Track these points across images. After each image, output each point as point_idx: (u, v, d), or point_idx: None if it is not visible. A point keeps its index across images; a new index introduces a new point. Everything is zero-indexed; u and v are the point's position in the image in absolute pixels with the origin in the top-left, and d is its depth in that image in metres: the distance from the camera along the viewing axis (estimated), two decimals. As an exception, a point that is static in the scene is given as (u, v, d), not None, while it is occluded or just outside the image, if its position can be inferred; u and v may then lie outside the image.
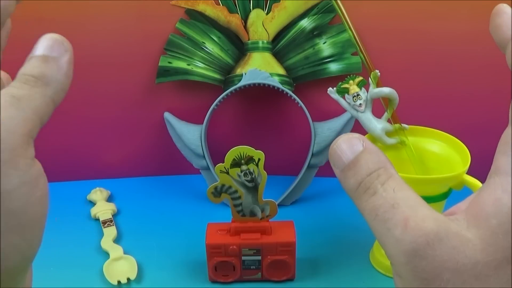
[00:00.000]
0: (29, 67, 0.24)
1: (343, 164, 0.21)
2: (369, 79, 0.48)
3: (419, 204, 0.20)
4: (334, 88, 0.49)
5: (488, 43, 0.60)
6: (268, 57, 0.61)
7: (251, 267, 0.50)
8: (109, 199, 0.65)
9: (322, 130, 0.60)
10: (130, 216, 0.62)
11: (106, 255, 0.55)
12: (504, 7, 0.22)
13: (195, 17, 0.61)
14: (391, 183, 0.20)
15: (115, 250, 0.55)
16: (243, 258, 0.50)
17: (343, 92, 0.49)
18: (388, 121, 0.49)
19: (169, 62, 0.62)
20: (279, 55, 0.62)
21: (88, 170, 0.70)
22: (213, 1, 0.60)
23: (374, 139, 0.50)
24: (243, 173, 0.47)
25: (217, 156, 0.58)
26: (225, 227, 0.50)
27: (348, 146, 0.21)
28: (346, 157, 0.21)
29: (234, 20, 0.61)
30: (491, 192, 0.20)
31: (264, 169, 0.47)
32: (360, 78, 0.48)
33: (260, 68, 0.60)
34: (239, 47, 0.62)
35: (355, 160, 0.20)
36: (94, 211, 0.62)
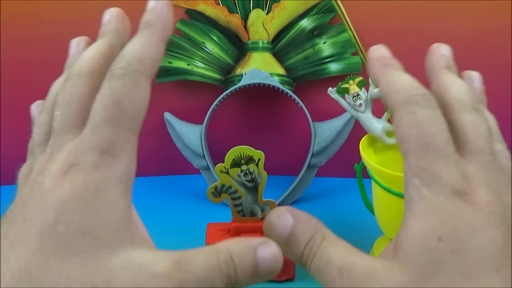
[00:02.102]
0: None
1: (282, 239, 0.23)
2: (369, 79, 0.48)
3: (350, 253, 0.22)
4: (334, 88, 0.49)
5: (488, 43, 0.60)
6: (268, 57, 0.61)
7: (251, 267, 0.50)
8: (109, 199, 0.65)
9: (322, 130, 0.60)
10: (130, 216, 0.62)
11: (106, 255, 0.54)
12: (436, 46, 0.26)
13: (195, 17, 0.61)
14: (325, 243, 0.22)
15: (115, 250, 0.54)
16: (243, 258, 0.50)
17: (343, 92, 0.49)
18: (388, 121, 0.49)
19: (169, 62, 0.62)
20: (279, 55, 0.62)
21: (88, 170, 0.70)
22: (213, 1, 0.60)
23: (374, 139, 0.50)
24: (243, 173, 0.47)
25: (217, 156, 0.58)
26: (225, 227, 0.50)
27: (281, 221, 0.23)
28: (282, 232, 0.23)
29: (234, 20, 0.61)
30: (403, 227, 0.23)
31: (264, 169, 0.47)
32: (360, 78, 0.48)
33: (260, 68, 0.60)
34: (239, 47, 0.62)
35: (291, 233, 0.23)
36: (94, 211, 0.61)
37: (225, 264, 0.21)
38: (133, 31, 0.68)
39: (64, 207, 0.19)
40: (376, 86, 0.23)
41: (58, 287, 0.18)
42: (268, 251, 0.21)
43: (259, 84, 0.59)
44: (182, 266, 0.21)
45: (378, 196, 0.49)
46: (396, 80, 0.25)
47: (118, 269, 0.19)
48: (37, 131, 0.24)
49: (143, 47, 0.24)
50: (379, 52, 0.25)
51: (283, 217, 0.23)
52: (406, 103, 0.23)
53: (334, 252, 0.22)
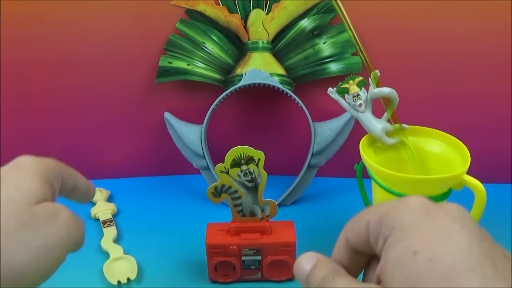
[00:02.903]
0: None
1: (305, 275, 0.28)
2: (369, 79, 0.48)
3: (353, 282, 0.26)
4: (334, 88, 0.49)
5: (488, 43, 0.60)
6: (268, 57, 0.61)
7: (251, 267, 0.50)
8: (109, 199, 0.65)
9: (322, 130, 0.60)
10: (130, 216, 0.62)
11: (106, 255, 0.55)
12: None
13: (195, 17, 0.61)
14: (338, 278, 0.26)
15: (115, 250, 0.55)
16: (243, 258, 0.50)
17: (343, 92, 0.49)
18: (388, 121, 0.49)
19: (169, 62, 0.62)
20: (279, 55, 0.62)
21: (88, 170, 0.69)
22: (213, 1, 0.60)
23: (374, 139, 0.50)
24: (243, 173, 0.47)
25: (217, 156, 0.58)
26: (225, 227, 0.50)
27: (306, 261, 0.29)
28: (306, 269, 0.28)
29: (234, 20, 0.61)
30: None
31: (264, 169, 0.47)
32: (360, 78, 0.48)
33: (260, 68, 0.60)
34: (239, 47, 0.62)
35: (312, 270, 0.28)
36: (94, 211, 0.62)
37: None
38: (133, 33, 0.68)
39: None
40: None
41: None
42: None
43: (259, 84, 0.59)
44: None
45: (378, 196, 0.49)
46: None
47: None
48: None
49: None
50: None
51: (308, 259, 0.29)
52: None
53: (341, 284, 0.26)
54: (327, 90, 0.49)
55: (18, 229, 0.27)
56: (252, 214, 0.49)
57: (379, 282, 0.25)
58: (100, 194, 0.64)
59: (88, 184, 0.39)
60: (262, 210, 0.49)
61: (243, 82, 0.59)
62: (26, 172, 0.32)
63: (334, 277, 0.26)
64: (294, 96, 0.59)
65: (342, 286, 0.26)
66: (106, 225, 0.59)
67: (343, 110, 0.52)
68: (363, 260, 0.28)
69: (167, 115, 0.64)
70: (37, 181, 0.31)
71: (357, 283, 0.26)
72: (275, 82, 0.59)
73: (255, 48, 0.61)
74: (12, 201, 0.28)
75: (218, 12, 0.61)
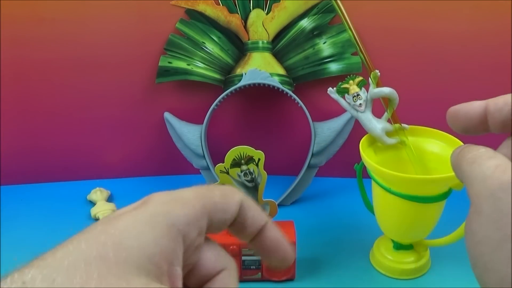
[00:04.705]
0: None
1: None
2: (369, 79, 0.48)
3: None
4: (334, 88, 0.49)
5: (488, 43, 0.60)
6: (268, 57, 0.61)
7: (251, 267, 0.50)
8: (109, 199, 0.65)
9: (322, 130, 0.60)
10: (130, 216, 0.62)
11: (106, 255, 0.54)
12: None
13: (195, 17, 0.61)
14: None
15: (115, 250, 0.54)
16: (243, 258, 0.50)
17: (343, 92, 0.49)
18: (388, 121, 0.49)
19: (169, 62, 0.62)
20: (279, 55, 0.62)
21: (88, 170, 0.70)
22: (213, 1, 0.60)
23: (374, 139, 0.50)
24: (243, 173, 0.47)
25: (217, 156, 0.58)
26: (225, 227, 0.50)
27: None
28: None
29: (234, 20, 0.61)
30: None
31: (264, 169, 0.47)
32: (360, 78, 0.48)
33: (260, 68, 0.60)
34: (239, 47, 0.62)
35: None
36: (94, 211, 0.62)
37: None
38: (133, 33, 0.68)
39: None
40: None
41: None
42: None
43: (259, 84, 0.59)
44: None
45: (378, 196, 0.49)
46: None
47: None
48: None
49: None
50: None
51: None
52: None
53: (500, 155, 0.24)
54: (327, 90, 0.49)
55: None
56: (252, 214, 0.49)
57: None
58: (100, 194, 0.64)
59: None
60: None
61: (243, 82, 0.59)
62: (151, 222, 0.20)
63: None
64: (294, 96, 0.59)
65: (497, 154, 0.24)
66: (106, 225, 0.59)
67: (343, 110, 0.52)
68: None
69: (167, 115, 0.64)
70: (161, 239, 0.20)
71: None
72: (275, 82, 0.59)
73: (255, 48, 0.61)
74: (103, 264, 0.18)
75: (218, 12, 0.60)
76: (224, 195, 0.23)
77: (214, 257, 0.23)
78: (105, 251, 0.18)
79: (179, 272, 0.20)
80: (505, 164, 0.23)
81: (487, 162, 0.23)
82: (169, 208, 0.21)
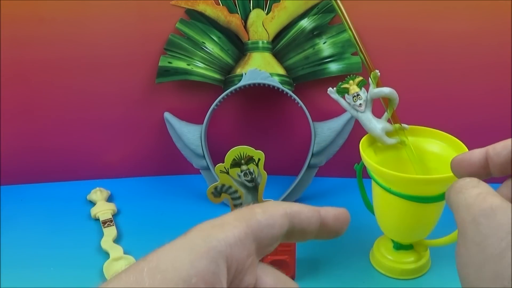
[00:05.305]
0: None
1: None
2: (369, 79, 0.48)
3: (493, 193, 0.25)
4: (334, 88, 0.49)
5: (488, 43, 0.60)
6: (268, 57, 0.61)
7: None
8: (109, 199, 0.65)
9: (322, 130, 0.60)
10: (130, 216, 0.62)
11: (106, 255, 0.54)
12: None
13: (195, 17, 0.61)
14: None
15: (115, 250, 0.55)
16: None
17: (343, 92, 0.49)
18: (388, 121, 0.49)
19: (169, 62, 0.62)
20: (279, 55, 0.62)
21: (88, 170, 0.70)
22: (213, 1, 0.60)
23: (374, 139, 0.50)
24: (243, 173, 0.47)
25: (217, 156, 0.58)
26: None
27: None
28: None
29: (234, 20, 0.61)
30: None
31: (264, 169, 0.47)
32: (360, 78, 0.48)
33: (260, 68, 0.60)
34: (239, 47, 0.62)
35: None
36: (94, 211, 0.62)
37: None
38: (133, 33, 0.68)
39: None
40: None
41: None
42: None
43: (259, 84, 0.59)
44: None
45: (378, 196, 0.49)
46: None
47: None
48: None
49: None
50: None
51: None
52: None
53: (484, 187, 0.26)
54: (327, 90, 0.49)
55: None
56: (252, 214, 0.49)
57: None
58: (100, 194, 0.64)
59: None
60: (262, 210, 0.49)
61: (243, 82, 0.59)
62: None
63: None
64: (294, 96, 0.59)
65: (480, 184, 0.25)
66: (106, 225, 0.59)
67: (343, 110, 0.52)
68: None
69: (167, 115, 0.64)
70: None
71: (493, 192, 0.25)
72: (275, 82, 0.59)
73: (255, 48, 0.61)
74: None
75: (218, 12, 0.60)
76: (265, 211, 0.23)
77: (273, 281, 0.23)
78: (141, 276, 0.19)
79: None
80: (485, 192, 0.25)
81: (471, 191, 0.25)
82: (208, 232, 0.21)
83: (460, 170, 0.29)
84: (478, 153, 0.28)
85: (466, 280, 0.24)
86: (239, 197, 0.48)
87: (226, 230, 0.21)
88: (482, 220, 0.23)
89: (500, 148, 0.27)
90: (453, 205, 0.26)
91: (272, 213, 0.23)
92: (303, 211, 0.25)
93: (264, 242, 0.22)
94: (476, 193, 0.25)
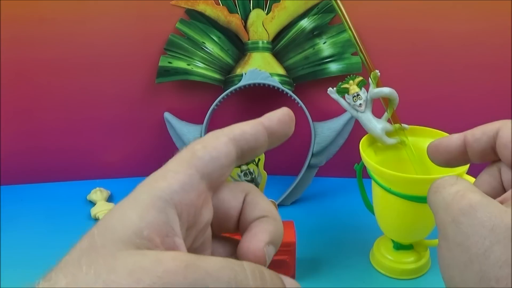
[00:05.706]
0: None
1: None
2: (369, 79, 0.48)
3: (472, 189, 0.24)
4: (334, 88, 0.49)
5: (488, 43, 0.60)
6: (268, 57, 0.61)
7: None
8: (109, 199, 0.65)
9: (322, 130, 0.60)
10: (130, 216, 0.62)
11: (106, 255, 0.54)
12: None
13: (195, 17, 0.61)
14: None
15: (115, 250, 0.54)
16: (243, 258, 0.50)
17: (343, 92, 0.49)
18: (388, 121, 0.49)
19: (169, 62, 0.62)
20: (279, 55, 0.62)
21: (88, 170, 0.70)
22: (213, 1, 0.60)
23: (374, 139, 0.50)
24: (243, 173, 0.47)
25: (217, 156, 0.58)
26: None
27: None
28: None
29: (234, 20, 0.61)
30: None
31: (264, 169, 0.47)
32: (360, 78, 0.48)
33: (260, 68, 0.60)
34: (239, 47, 0.62)
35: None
36: (94, 211, 0.62)
37: None
38: (133, 33, 0.68)
39: None
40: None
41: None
42: None
43: (259, 84, 0.59)
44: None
45: (378, 196, 0.49)
46: None
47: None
48: None
49: None
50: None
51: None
52: None
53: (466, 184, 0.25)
54: (327, 90, 0.49)
55: None
56: (252, 214, 0.49)
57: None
58: (100, 194, 0.64)
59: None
60: (262, 210, 0.49)
61: (243, 82, 0.59)
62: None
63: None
64: (294, 96, 0.59)
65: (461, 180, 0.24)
66: (106, 225, 0.59)
67: (343, 110, 0.52)
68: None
69: (167, 115, 0.64)
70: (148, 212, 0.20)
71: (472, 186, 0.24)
72: (275, 82, 0.59)
73: (255, 48, 0.61)
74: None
75: (218, 12, 0.60)
76: (206, 146, 0.23)
77: (230, 196, 0.24)
78: (93, 239, 0.19)
79: (179, 242, 0.20)
80: (464, 189, 0.24)
81: (448, 189, 0.24)
82: (151, 184, 0.22)
83: (437, 155, 0.28)
84: (456, 139, 0.27)
85: (451, 282, 0.23)
86: (239, 197, 0.48)
87: (168, 178, 0.21)
88: (462, 219, 0.22)
89: (479, 134, 0.26)
90: (432, 206, 0.25)
91: (215, 145, 0.22)
92: (247, 131, 0.24)
93: (214, 175, 0.22)
94: (454, 191, 0.24)
